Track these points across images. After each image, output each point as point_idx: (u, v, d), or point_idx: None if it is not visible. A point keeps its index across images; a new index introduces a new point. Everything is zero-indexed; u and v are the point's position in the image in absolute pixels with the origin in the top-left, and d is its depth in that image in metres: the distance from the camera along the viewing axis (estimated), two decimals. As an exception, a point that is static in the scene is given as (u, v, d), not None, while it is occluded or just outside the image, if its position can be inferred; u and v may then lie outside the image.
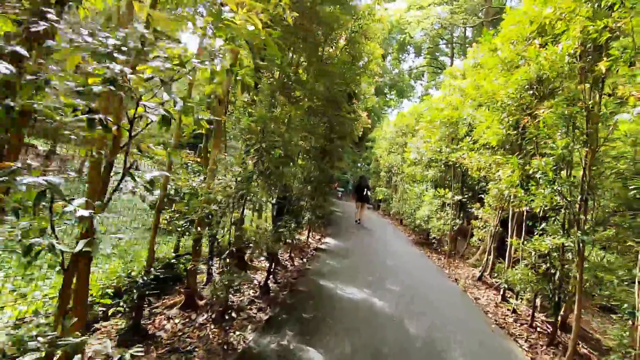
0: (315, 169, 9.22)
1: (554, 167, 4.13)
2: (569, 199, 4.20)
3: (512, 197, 5.73)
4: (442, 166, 10.05)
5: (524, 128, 5.55)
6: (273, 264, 5.70)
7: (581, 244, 4.23)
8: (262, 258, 6.49)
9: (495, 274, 8.06)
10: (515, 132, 5.56)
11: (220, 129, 4.00)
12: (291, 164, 6.08)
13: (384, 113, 33.46)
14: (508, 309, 5.92)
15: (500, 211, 7.02)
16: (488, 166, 7.30)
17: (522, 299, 5.85)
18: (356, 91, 9.14)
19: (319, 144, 8.89)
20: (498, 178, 6.96)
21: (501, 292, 6.36)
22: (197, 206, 3.39)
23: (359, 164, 27.98)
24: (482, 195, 7.45)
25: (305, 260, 7.25)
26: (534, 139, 5.14)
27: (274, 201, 5.96)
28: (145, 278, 3.12)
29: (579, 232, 4.19)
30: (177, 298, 4.12)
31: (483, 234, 7.74)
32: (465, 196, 9.78)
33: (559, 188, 4.15)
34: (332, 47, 6.45)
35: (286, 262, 6.79)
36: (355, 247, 9.49)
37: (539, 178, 4.24)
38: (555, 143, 4.04)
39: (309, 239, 9.16)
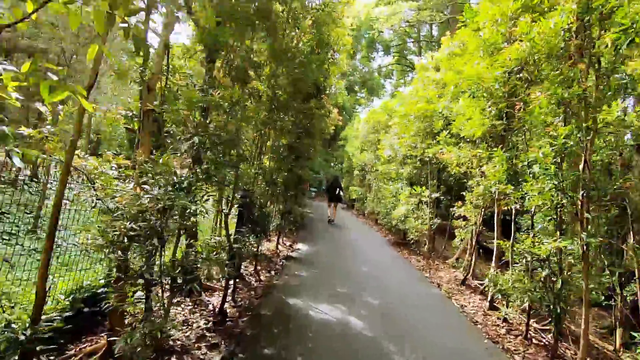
0: (283, 169, 8.38)
1: (555, 160, 3.51)
2: (571, 195, 3.60)
3: (500, 194, 5.14)
4: (418, 163, 9.47)
5: (510, 118, 4.97)
6: (233, 281, 4.80)
7: (585, 247, 3.65)
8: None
9: (479, 277, 7.54)
10: (500, 122, 4.96)
11: (149, 122, 3.06)
12: (249, 164, 5.22)
13: (355, 112, 33.02)
14: (498, 318, 5.32)
15: (483, 209, 6.46)
16: (468, 161, 6.73)
17: (512, 306, 5.28)
18: (324, 84, 8.36)
19: (286, 142, 8.05)
20: (480, 174, 6.40)
21: (488, 298, 5.77)
22: (110, 222, 2.46)
23: (332, 164, 27.33)
24: (464, 193, 6.88)
25: (273, 272, 6.37)
26: (524, 128, 4.56)
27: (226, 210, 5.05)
28: (27, 332, 2.16)
29: (584, 233, 3.61)
30: (98, 343, 3.15)
31: (465, 234, 7.18)
32: (442, 193, 9.25)
33: (561, 183, 3.54)
34: (296, 30, 5.63)
35: (250, 277, 5.89)
36: (329, 252, 8.70)
37: (537, 172, 3.60)
38: (556, 131, 3.42)
39: (279, 247, 8.29)
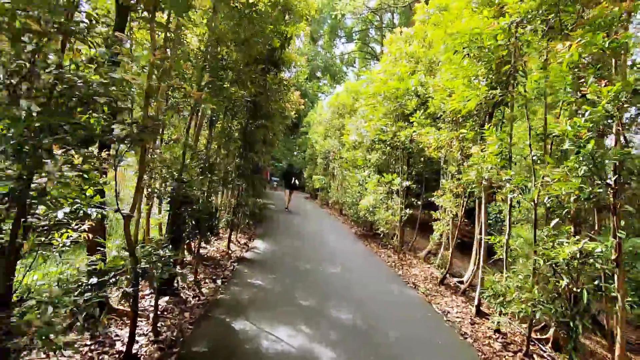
0: (233, 154, 7.00)
1: (592, 133, 2.54)
2: (607, 182, 2.67)
3: (490, 181, 4.19)
4: (388, 148, 8.48)
5: (508, 86, 4.00)
6: (158, 299, 3.47)
7: (619, 248, 2.76)
8: (147, 291, 4.19)
9: (457, 274, 6.75)
10: (497, 91, 3.97)
11: None
12: (175, 144, 3.85)
13: (318, 99, 31.77)
14: (489, 328, 4.46)
15: (465, 199, 5.56)
16: (448, 144, 5.79)
17: (506, 313, 4.42)
18: (282, 56, 7.03)
19: (239, 123, 6.67)
20: (462, 158, 5.47)
21: (475, 302, 4.90)
22: None
23: (294, 152, 25.99)
24: (442, 180, 5.96)
25: (220, 281, 5.07)
26: (522, 99, 3.59)
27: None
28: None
29: (620, 231, 2.70)
30: None
31: (444, 227, 6.28)
32: (412, 182, 8.36)
33: (596, 165, 2.58)
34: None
35: (189, 290, 4.55)
36: (291, 250, 7.52)
37: (567, 150, 2.63)
38: (599, 93, 2.43)
39: (231, 246, 6.97)
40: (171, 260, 2.74)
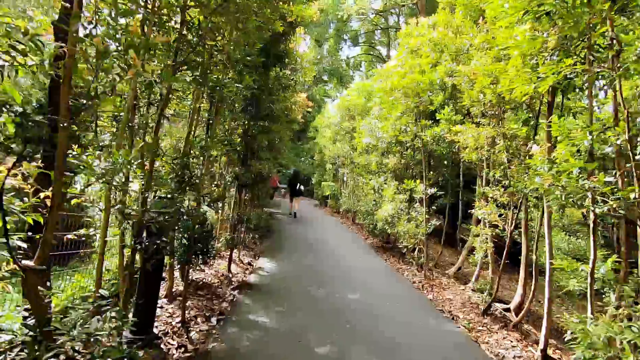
0: (236, 164, 6.03)
1: None
2: None
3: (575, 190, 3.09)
4: (409, 150, 7.41)
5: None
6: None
7: None
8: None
9: (502, 298, 5.64)
10: (581, 66, 2.88)
11: None
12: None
13: (325, 103, 30.86)
14: (566, 383, 3.34)
15: (516, 211, 4.45)
16: (489, 143, 4.71)
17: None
18: (287, 47, 6.05)
19: (238, 125, 5.70)
20: (510, 159, 4.40)
21: (540, 346, 3.77)
22: None
23: (302, 158, 25.02)
24: (483, 188, 4.88)
25: (215, 320, 4.04)
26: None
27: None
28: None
29: None
30: None
31: (486, 245, 5.16)
32: (438, 189, 7.26)
33: None
34: None
35: (173, 338, 3.53)
36: (301, 270, 6.46)
37: None
38: None
39: (232, 267, 5.96)
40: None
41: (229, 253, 5.94)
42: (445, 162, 7.73)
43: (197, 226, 4.86)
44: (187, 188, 2.96)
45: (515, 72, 3.64)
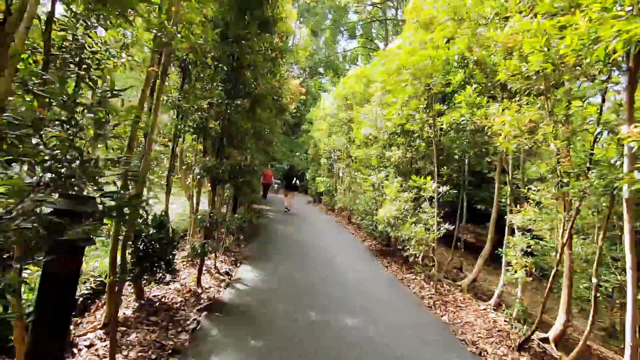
0: (211, 153, 4.87)
1: None
2: None
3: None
4: (419, 141, 6.27)
5: None
6: None
7: None
8: None
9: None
10: None
11: None
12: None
13: (321, 97, 29.59)
14: None
15: (573, 216, 3.32)
16: (530, 128, 3.59)
17: None
18: (275, 8, 4.85)
19: (215, 106, 4.52)
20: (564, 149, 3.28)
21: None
22: None
23: (296, 152, 23.79)
24: (532, 187, 3.77)
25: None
26: None
27: None
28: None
29: None
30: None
31: (528, 262, 4.03)
32: (449, 185, 6.13)
33: None
34: None
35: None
36: (289, 283, 5.31)
37: None
38: None
39: (204, 279, 4.82)
40: None
41: (199, 263, 4.76)
42: (459, 155, 6.61)
43: (150, 231, 3.71)
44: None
45: (587, 25, 2.51)
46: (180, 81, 4.70)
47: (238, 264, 6.04)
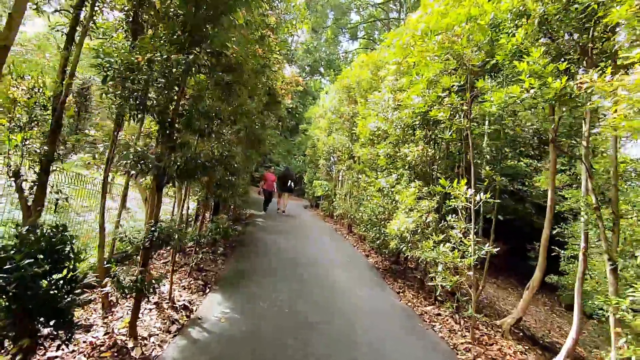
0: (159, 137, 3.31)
1: None
2: None
3: None
4: (446, 132, 4.72)
5: None
6: None
7: None
8: None
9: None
10: None
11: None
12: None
13: (320, 98, 28.09)
14: None
15: None
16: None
17: None
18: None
19: (154, 62, 2.95)
20: None
21: None
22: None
23: (294, 154, 22.21)
24: None
25: None
26: None
27: None
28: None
29: None
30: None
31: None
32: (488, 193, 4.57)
33: None
34: None
35: None
36: (271, 319, 3.70)
37: None
38: None
39: (148, 314, 3.25)
40: None
41: (135, 300, 3.15)
42: (493, 154, 5.07)
43: (24, 261, 2.13)
44: None
45: None
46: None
47: (207, 290, 4.46)
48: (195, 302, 4.08)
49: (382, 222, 6.47)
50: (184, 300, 4.05)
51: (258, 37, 4.17)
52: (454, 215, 4.55)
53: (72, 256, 2.36)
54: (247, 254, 6.35)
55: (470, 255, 3.95)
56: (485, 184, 4.17)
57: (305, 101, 21.98)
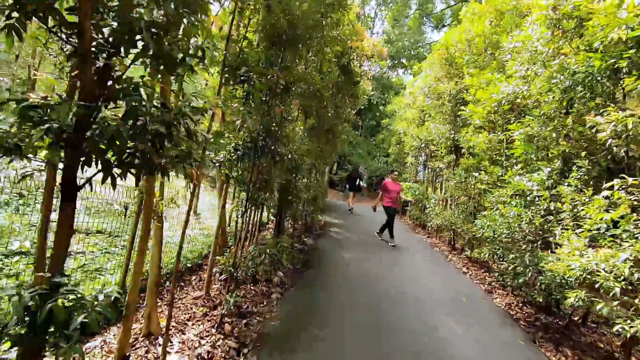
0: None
1: None
2: None
3: None
4: None
5: None
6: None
7: None
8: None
9: None
10: None
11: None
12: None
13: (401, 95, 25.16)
14: None
15: None
16: None
17: None
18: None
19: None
20: None
21: None
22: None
23: (376, 155, 19.72)
24: None
25: None
26: None
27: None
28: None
29: None
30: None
31: None
32: None
33: None
34: None
35: None
36: None
37: None
38: None
39: None
40: None
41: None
42: None
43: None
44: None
45: None
46: None
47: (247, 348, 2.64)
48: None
49: (530, 247, 3.86)
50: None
51: None
52: None
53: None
54: (313, 285, 4.44)
55: None
56: None
57: (386, 98, 19.49)
